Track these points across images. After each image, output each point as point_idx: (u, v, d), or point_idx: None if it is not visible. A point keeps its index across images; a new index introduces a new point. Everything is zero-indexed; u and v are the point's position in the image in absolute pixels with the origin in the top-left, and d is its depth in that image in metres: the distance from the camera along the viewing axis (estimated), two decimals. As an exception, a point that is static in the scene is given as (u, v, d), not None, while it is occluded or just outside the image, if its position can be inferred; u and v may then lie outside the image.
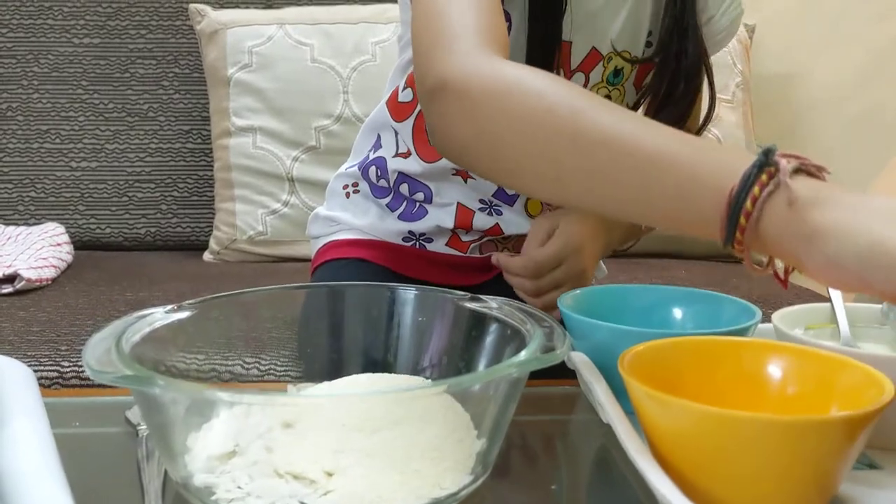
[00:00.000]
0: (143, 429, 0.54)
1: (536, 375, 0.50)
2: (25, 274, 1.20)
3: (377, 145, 0.92)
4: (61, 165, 1.59)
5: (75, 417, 0.59)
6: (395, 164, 0.89)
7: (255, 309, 0.60)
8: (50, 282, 1.26)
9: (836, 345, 0.55)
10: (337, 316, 0.61)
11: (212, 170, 1.56)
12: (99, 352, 0.45)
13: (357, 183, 0.95)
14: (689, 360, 0.51)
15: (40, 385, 0.52)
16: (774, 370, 0.50)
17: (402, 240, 0.92)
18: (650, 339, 0.50)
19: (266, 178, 1.50)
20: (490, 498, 0.48)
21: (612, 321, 0.57)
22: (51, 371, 0.87)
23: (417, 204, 0.90)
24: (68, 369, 0.87)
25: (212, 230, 1.54)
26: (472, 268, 0.93)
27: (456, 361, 0.57)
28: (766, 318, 0.58)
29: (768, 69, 1.78)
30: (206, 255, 1.53)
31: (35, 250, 1.31)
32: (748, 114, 1.61)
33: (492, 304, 0.56)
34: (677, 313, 0.65)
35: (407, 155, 0.89)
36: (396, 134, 0.89)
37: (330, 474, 0.46)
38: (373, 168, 0.92)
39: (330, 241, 0.95)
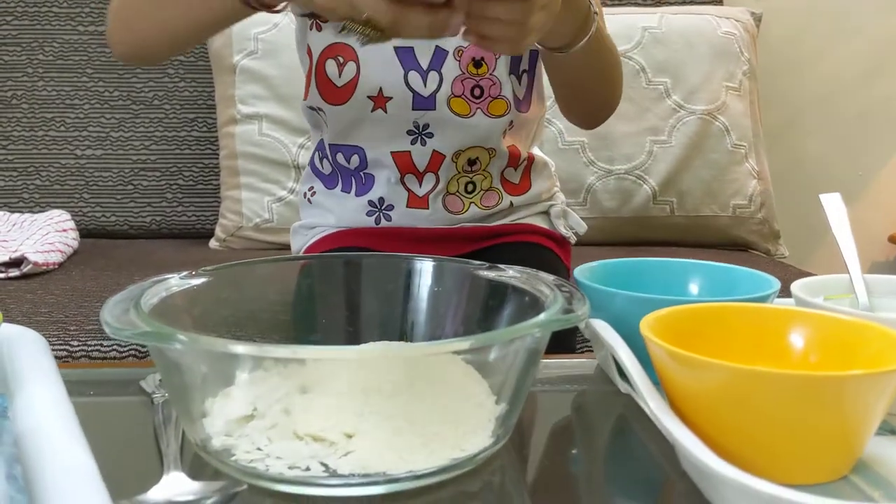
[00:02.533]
0: (158, 396, 0.54)
1: (550, 350, 0.50)
2: (32, 257, 1.19)
3: (318, 135, 0.94)
4: (66, 153, 1.58)
5: (89, 387, 0.58)
6: (328, 138, 0.91)
7: (270, 278, 0.59)
8: (56, 266, 1.25)
9: (857, 311, 0.54)
10: (352, 287, 0.60)
11: (217, 158, 1.56)
12: (117, 311, 0.44)
13: (312, 186, 0.96)
14: (710, 325, 0.50)
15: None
16: (796, 336, 0.50)
17: (367, 214, 0.91)
18: (666, 306, 0.50)
19: (272, 166, 1.49)
20: (511, 461, 0.48)
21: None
22: (60, 350, 0.87)
23: (361, 176, 0.91)
24: (77, 348, 0.87)
25: (217, 218, 1.53)
26: (450, 238, 0.92)
27: (474, 331, 0.56)
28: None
29: (775, 59, 1.78)
30: (212, 243, 1.52)
31: (41, 235, 1.31)
32: (755, 103, 1.60)
33: (509, 273, 0.55)
34: (693, 286, 0.65)
35: (326, 122, 0.90)
36: (316, 110, 0.91)
37: (350, 436, 0.45)
38: (317, 155, 0.94)
39: (308, 246, 0.96)
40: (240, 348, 0.40)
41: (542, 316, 0.45)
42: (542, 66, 0.93)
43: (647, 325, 0.47)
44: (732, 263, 0.66)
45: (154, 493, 0.41)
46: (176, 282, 0.52)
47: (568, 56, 0.78)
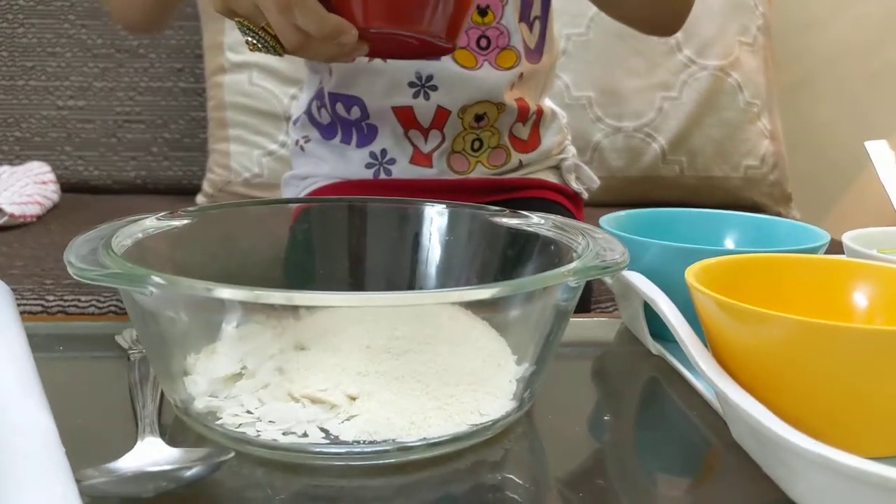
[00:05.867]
0: (134, 352, 0.48)
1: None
2: (8, 209, 1.13)
3: (316, 80, 0.87)
4: (47, 104, 1.50)
5: (59, 343, 0.52)
6: (327, 87, 0.84)
7: (261, 222, 0.53)
8: (34, 219, 1.19)
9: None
10: (355, 235, 0.54)
11: (205, 110, 1.48)
12: (83, 251, 0.38)
13: (307, 135, 0.89)
14: (760, 278, 0.44)
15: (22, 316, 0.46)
16: (859, 292, 0.44)
17: (366, 167, 0.85)
18: (708, 257, 0.44)
19: (262, 117, 1.42)
20: (533, 428, 0.42)
21: (660, 243, 0.51)
22: (34, 305, 0.80)
23: (363, 126, 0.84)
24: (53, 303, 0.81)
25: (205, 173, 1.46)
26: (455, 190, 0.85)
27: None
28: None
29: (785, 19, 1.71)
30: (200, 199, 1.45)
31: (19, 187, 1.24)
32: (769, 59, 1.53)
33: (533, 219, 0.49)
34: (729, 240, 0.59)
35: (330, 71, 0.83)
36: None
37: (353, 398, 0.39)
38: (315, 103, 0.87)
39: (301, 197, 0.89)
40: (227, 292, 0.34)
41: (576, 262, 0.39)
42: (552, 11, 0.86)
43: (692, 275, 0.41)
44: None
45: (126, 461, 0.35)
46: (153, 222, 0.46)
47: None
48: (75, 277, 0.35)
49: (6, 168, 1.37)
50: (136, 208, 1.36)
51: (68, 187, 1.43)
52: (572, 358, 0.52)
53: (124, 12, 0.84)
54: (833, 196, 1.74)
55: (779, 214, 1.51)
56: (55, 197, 1.31)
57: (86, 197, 1.44)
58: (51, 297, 0.81)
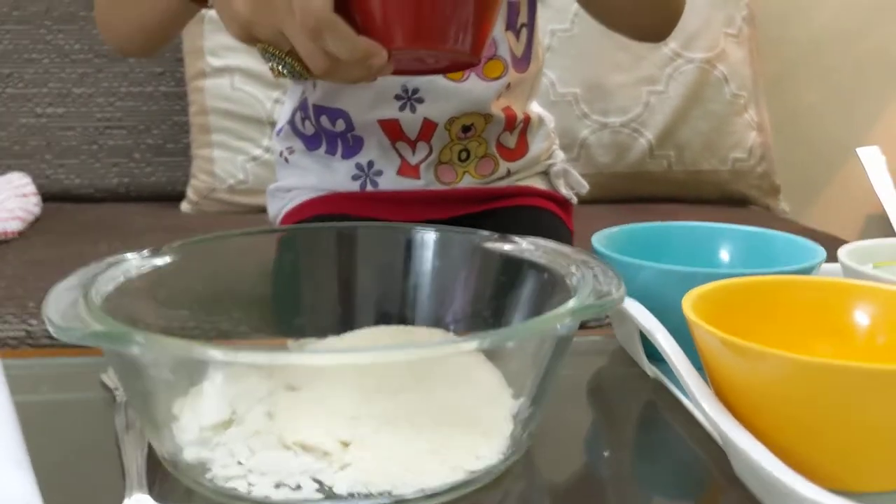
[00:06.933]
0: (120, 393, 0.46)
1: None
2: (-12, 226, 1.11)
3: (299, 91, 0.85)
4: (25, 111, 1.48)
5: (43, 382, 0.51)
6: (311, 99, 0.83)
7: (246, 254, 0.52)
8: (16, 235, 1.17)
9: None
10: (343, 261, 0.53)
11: (187, 114, 1.46)
12: (64, 304, 0.37)
13: (290, 146, 0.88)
14: (760, 302, 0.44)
15: (5, 346, 0.45)
16: (852, 311, 0.43)
17: (353, 179, 0.83)
18: (704, 281, 0.43)
19: (246, 122, 1.40)
20: (530, 462, 0.41)
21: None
22: (18, 331, 0.79)
23: (348, 138, 0.83)
24: (36, 328, 0.79)
25: (189, 179, 1.44)
26: (442, 201, 0.84)
27: (482, 311, 0.49)
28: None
29: (769, 7, 1.70)
30: (184, 206, 1.44)
31: (0, 202, 1.22)
32: (754, 50, 1.53)
33: (523, 245, 0.48)
34: (724, 254, 0.58)
35: (314, 83, 0.82)
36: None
37: (346, 444, 0.38)
38: (298, 115, 0.85)
39: (287, 211, 0.87)
40: (212, 353, 0.32)
41: (572, 302, 0.38)
42: (538, 17, 0.84)
43: (690, 306, 0.40)
44: (732, 220, 0.60)
45: (113, 524, 0.34)
46: (136, 262, 0.44)
47: None
48: (56, 338, 0.34)
49: (-15, 180, 1.35)
50: (120, 217, 1.35)
51: (49, 196, 1.41)
52: (567, 379, 0.51)
53: (120, 38, 0.80)
54: (819, 185, 1.73)
55: (767, 206, 1.51)
56: (37, 210, 1.29)
57: (68, 206, 1.42)
58: (34, 322, 0.79)
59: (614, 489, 0.40)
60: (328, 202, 0.84)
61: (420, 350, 0.38)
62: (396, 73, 0.56)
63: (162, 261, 0.45)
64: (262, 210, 1.39)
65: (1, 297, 0.87)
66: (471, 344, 0.34)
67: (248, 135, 1.40)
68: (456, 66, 0.59)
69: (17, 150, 1.47)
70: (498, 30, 0.79)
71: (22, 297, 0.87)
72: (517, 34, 0.81)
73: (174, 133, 1.50)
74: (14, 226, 1.17)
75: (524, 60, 0.82)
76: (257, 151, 1.40)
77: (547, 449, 0.43)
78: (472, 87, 0.79)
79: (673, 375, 0.48)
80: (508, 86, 0.81)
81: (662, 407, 0.48)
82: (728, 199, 1.50)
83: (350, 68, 0.53)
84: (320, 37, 0.50)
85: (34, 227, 1.24)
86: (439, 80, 0.78)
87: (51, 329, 0.34)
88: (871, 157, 0.59)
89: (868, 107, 1.77)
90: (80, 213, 1.37)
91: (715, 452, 0.42)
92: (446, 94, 0.78)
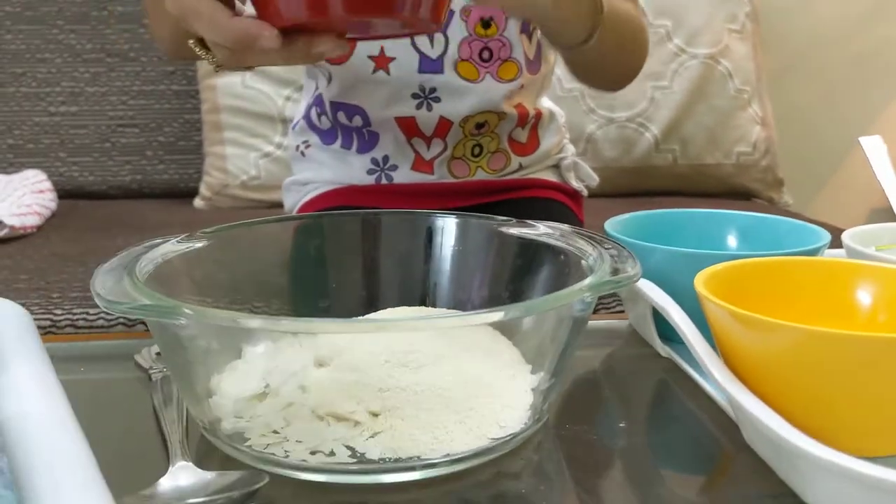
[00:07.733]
0: (155, 372, 0.49)
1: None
2: (9, 221, 1.13)
3: (313, 86, 0.88)
4: (39, 110, 1.50)
5: (79, 363, 0.53)
6: (327, 94, 0.85)
7: (276, 239, 0.54)
8: (35, 230, 1.19)
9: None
10: (367, 247, 0.55)
11: (199, 112, 1.48)
12: (109, 282, 0.39)
13: (307, 140, 0.90)
14: (767, 282, 0.46)
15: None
16: (856, 289, 0.45)
17: (368, 173, 0.86)
18: (714, 263, 0.45)
19: (257, 119, 1.42)
20: (548, 436, 0.43)
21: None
22: (43, 320, 0.81)
23: (364, 133, 0.85)
24: (62, 317, 0.81)
25: (201, 176, 1.46)
26: (455, 193, 0.86)
27: (501, 293, 0.51)
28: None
29: (776, 0, 1.72)
30: (197, 202, 1.46)
31: (17, 197, 1.24)
32: (758, 46, 1.54)
33: (540, 229, 0.50)
34: (732, 240, 0.60)
35: (329, 79, 0.84)
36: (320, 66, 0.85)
37: (376, 414, 0.41)
38: (314, 110, 0.87)
39: (303, 203, 0.90)
40: (255, 322, 0.34)
41: (590, 279, 0.40)
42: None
43: (701, 283, 0.42)
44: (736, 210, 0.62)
45: (163, 487, 0.36)
46: (171, 246, 0.47)
47: (583, 50, 0.72)
48: (105, 310, 0.36)
49: (1, 177, 1.37)
50: (134, 213, 1.37)
51: (64, 194, 1.43)
52: (582, 360, 0.53)
53: (158, 41, 0.81)
54: (822, 179, 1.75)
55: (770, 200, 1.53)
56: (53, 205, 1.32)
57: (82, 203, 1.44)
58: (59, 312, 0.82)
59: (629, 461, 0.42)
60: (344, 195, 0.86)
61: (450, 320, 0.40)
62: (358, 39, 0.51)
63: (197, 245, 0.47)
64: (275, 205, 1.42)
65: (25, 288, 0.89)
66: (497, 315, 0.36)
67: (260, 131, 1.43)
68: (416, 31, 0.56)
69: (31, 148, 1.49)
70: (513, 32, 0.81)
71: (45, 289, 0.89)
72: (530, 36, 0.83)
73: (186, 131, 1.52)
74: (32, 220, 1.19)
75: (536, 62, 0.85)
76: (269, 148, 1.43)
77: (564, 420, 0.45)
78: (488, 88, 0.81)
79: (685, 354, 0.50)
80: (522, 86, 0.83)
81: (675, 384, 0.50)
82: (732, 192, 1.52)
83: (243, 54, 0.49)
84: (192, 25, 0.47)
85: (51, 222, 1.26)
86: (456, 80, 0.80)
87: (100, 303, 0.36)
88: (873, 147, 0.61)
89: (871, 100, 1.78)
90: (94, 209, 1.39)
91: (726, 424, 0.44)
92: (463, 94, 0.81)
